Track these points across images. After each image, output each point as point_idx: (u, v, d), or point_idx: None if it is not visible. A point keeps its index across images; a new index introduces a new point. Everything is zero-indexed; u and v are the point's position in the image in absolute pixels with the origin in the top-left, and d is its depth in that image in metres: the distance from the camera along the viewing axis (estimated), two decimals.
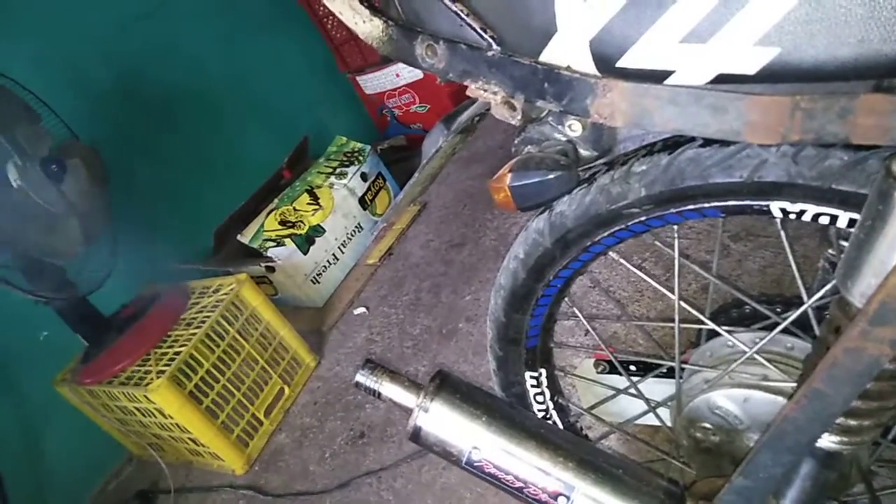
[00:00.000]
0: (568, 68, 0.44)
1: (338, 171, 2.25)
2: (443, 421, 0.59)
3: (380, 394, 0.61)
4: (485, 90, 0.49)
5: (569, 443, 0.59)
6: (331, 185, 2.20)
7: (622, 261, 0.73)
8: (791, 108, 0.38)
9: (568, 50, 0.43)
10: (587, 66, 0.43)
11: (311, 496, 1.50)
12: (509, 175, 0.52)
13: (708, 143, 0.52)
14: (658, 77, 0.41)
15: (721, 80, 0.39)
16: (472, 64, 0.48)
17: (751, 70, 0.38)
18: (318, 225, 2.13)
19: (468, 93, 0.50)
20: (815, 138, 0.38)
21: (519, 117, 0.49)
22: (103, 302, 1.66)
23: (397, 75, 2.60)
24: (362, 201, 2.27)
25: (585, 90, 0.44)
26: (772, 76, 0.38)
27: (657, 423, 0.83)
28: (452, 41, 0.48)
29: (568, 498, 0.56)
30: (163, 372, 1.50)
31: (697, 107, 0.41)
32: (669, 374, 0.87)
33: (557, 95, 0.46)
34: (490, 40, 0.46)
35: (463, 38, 0.48)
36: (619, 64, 0.42)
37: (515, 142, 0.55)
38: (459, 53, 0.48)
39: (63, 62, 1.89)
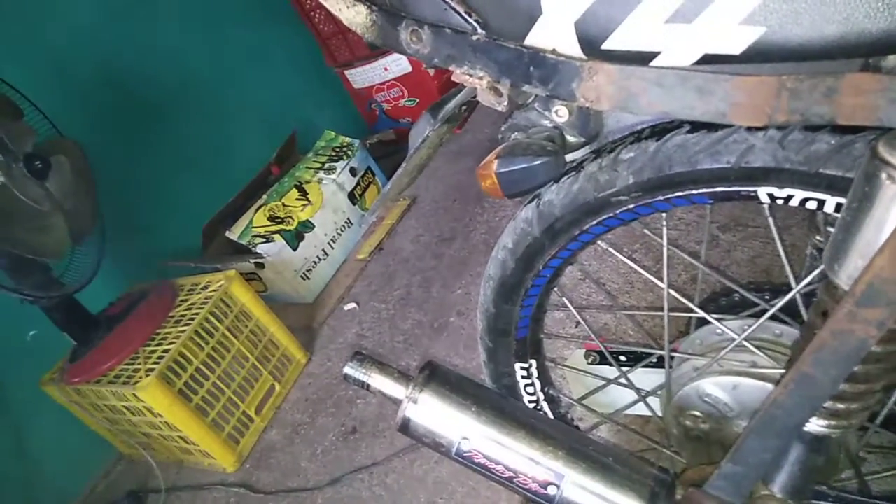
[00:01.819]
0: (553, 51, 0.44)
1: (326, 165, 2.24)
2: (432, 412, 0.58)
3: (369, 386, 0.61)
4: (470, 75, 0.48)
5: (558, 432, 0.59)
6: (319, 181, 2.19)
7: (612, 251, 0.73)
8: (777, 88, 0.37)
9: (553, 32, 0.43)
10: (573, 48, 0.43)
11: (302, 493, 1.49)
12: (496, 161, 0.51)
13: (695, 128, 0.52)
14: (644, 59, 0.41)
15: (707, 60, 0.39)
16: (456, 49, 0.48)
17: (736, 50, 0.38)
18: (308, 220, 2.12)
19: (454, 78, 0.49)
20: (801, 119, 0.38)
21: (505, 103, 0.49)
22: (91, 300, 1.64)
23: (385, 69, 2.58)
24: (351, 196, 2.26)
25: (571, 73, 0.44)
26: (758, 56, 0.37)
27: (647, 412, 0.83)
28: (437, 26, 0.48)
29: (558, 486, 0.56)
30: (152, 370, 1.48)
31: (683, 88, 0.40)
32: (659, 363, 0.87)
33: (543, 79, 0.45)
34: (475, 24, 0.46)
35: (447, 22, 0.47)
36: (604, 46, 0.42)
37: (502, 128, 0.55)
38: (444, 38, 0.48)
39: (45, 57, 1.86)
